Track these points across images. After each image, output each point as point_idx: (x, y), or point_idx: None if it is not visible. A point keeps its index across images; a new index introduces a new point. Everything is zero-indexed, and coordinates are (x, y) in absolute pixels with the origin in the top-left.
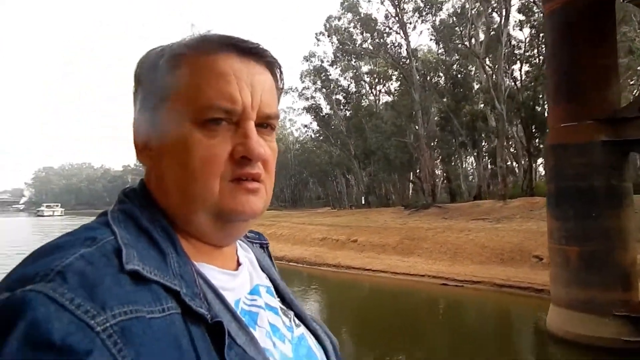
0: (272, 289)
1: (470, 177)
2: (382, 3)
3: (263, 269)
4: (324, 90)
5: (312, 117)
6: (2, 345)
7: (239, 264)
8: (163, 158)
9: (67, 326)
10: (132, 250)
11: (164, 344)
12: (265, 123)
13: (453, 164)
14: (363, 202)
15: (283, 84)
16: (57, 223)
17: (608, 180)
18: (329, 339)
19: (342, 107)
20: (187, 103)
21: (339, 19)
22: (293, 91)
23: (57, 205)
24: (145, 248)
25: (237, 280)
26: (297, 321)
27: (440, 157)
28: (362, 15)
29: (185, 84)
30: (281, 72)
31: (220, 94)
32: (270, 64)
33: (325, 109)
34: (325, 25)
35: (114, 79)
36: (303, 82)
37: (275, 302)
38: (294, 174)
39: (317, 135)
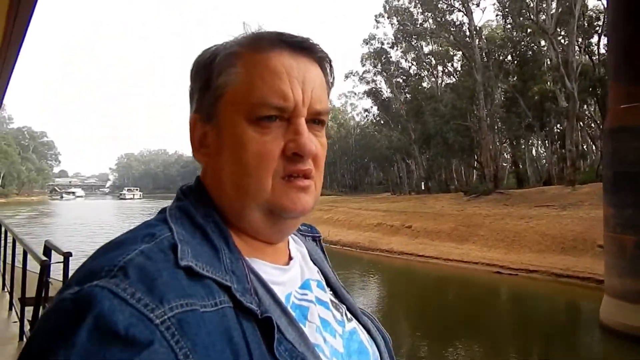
0: (323, 283)
1: (544, 161)
2: None
3: (315, 263)
4: (384, 73)
5: (372, 101)
6: (74, 335)
7: (290, 258)
8: (219, 154)
9: (129, 319)
10: (187, 246)
11: (217, 336)
12: (316, 119)
13: (523, 147)
14: (422, 188)
15: (333, 79)
16: (137, 205)
17: None
18: (380, 334)
19: (402, 90)
20: (242, 101)
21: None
22: (354, 75)
23: (136, 189)
24: (199, 244)
25: (288, 274)
26: (348, 315)
27: (506, 140)
28: None
29: (239, 82)
30: (331, 67)
31: (273, 91)
32: (321, 59)
33: (386, 92)
34: (384, 6)
35: (184, 74)
36: (364, 65)
37: (326, 296)
38: (354, 159)
39: (377, 119)
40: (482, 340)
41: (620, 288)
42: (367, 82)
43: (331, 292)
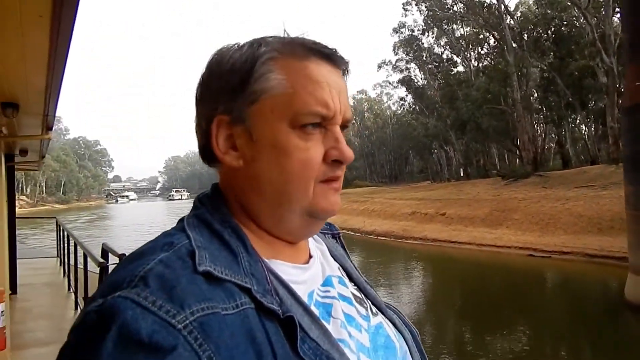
0: (345, 279)
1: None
2: None
3: (335, 259)
4: (416, 61)
5: (406, 89)
6: (101, 347)
7: (310, 257)
8: (257, 160)
9: (152, 326)
10: (205, 252)
11: (240, 337)
12: (344, 125)
13: (564, 128)
14: (462, 174)
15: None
16: (185, 205)
17: None
18: (407, 328)
19: (435, 77)
20: (285, 108)
21: None
22: (387, 64)
23: (184, 190)
24: (217, 249)
25: (308, 273)
26: (374, 310)
27: (546, 121)
28: None
29: (280, 88)
30: (348, 76)
31: (317, 100)
32: (345, 69)
33: (420, 79)
34: None
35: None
36: (396, 54)
37: (349, 292)
38: (393, 149)
39: (413, 107)
40: (498, 321)
41: None
42: (401, 71)
43: (355, 287)
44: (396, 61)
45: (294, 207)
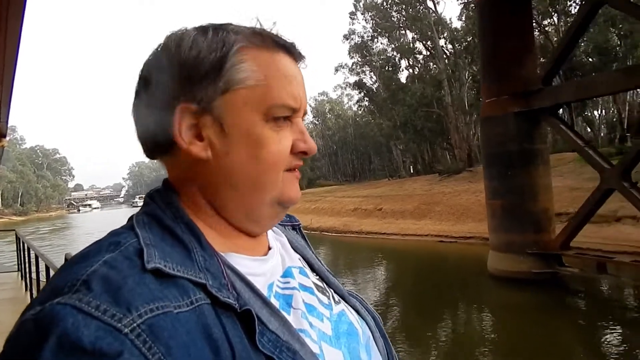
0: (306, 270)
1: None
2: None
3: (296, 250)
4: (367, 65)
5: (358, 91)
6: (38, 356)
7: (269, 249)
8: (230, 151)
9: (95, 332)
10: (153, 249)
11: (196, 334)
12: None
13: None
14: (412, 171)
15: None
16: None
17: (521, 145)
18: (370, 314)
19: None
20: (258, 99)
21: None
22: (343, 67)
23: None
24: (169, 245)
25: (267, 264)
26: (336, 298)
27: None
28: None
29: (254, 80)
30: (305, 69)
31: (289, 94)
32: (302, 63)
33: (371, 83)
34: (354, 5)
35: None
36: (352, 57)
37: (310, 282)
38: (354, 148)
39: (367, 108)
40: (400, 290)
41: (497, 242)
42: (357, 74)
43: (317, 277)
44: (352, 64)
45: (266, 197)
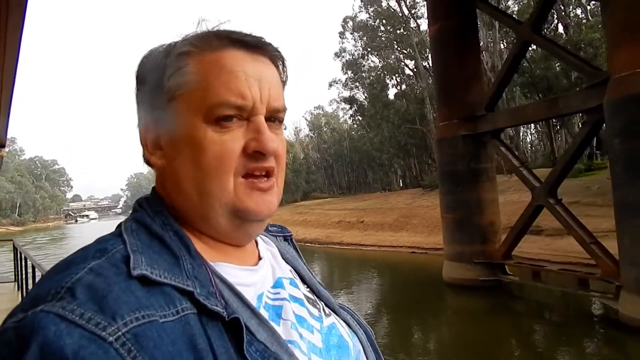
0: (297, 281)
1: None
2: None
3: (287, 261)
4: (358, 81)
5: (349, 106)
6: None
7: (260, 259)
8: (177, 158)
9: (79, 341)
10: (141, 256)
11: (180, 345)
12: (274, 117)
13: None
14: (401, 185)
15: (287, 77)
16: None
17: (468, 164)
18: (362, 328)
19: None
20: (198, 102)
21: (355, 18)
22: (337, 83)
23: None
24: (157, 253)
25: (257, 275)
26: (327, 311)
27: None
28: (382, 8)
29: (193, 82)
30: (284, 65)
31: (230, 90)
32: (274, 57)
33: (363, 98)
34: (342, 26)
35: None
36: (345, 73)
37: (300, 293)
38: (349, 162)
39: (359, 123)
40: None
41: (449, 252)
42: (350, 89)
43: (307, 289)
44: (346, 80)
45: (214, 204)
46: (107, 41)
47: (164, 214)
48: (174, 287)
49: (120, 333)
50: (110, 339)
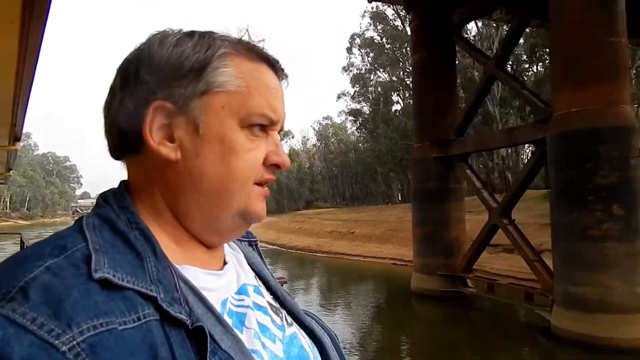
0: (261, 288)
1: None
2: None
3: (252, 267)
4: (362, 96)
5: (353, 120)
6: None
7: (225, 263)
8: (200, 154)
9: (28, 348)
10: (103, 256)
11: (140, 355)
12: (279, 132)
13: None
14: (400, 199)
15: None
16: None
17: (438, 184)
18: (326, 333)
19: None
20: (237, 104)
21: (362, 35)
22: (345, 95)
23: None
24: (120, 253)
25: (222, 280)
26: (289, 320)
27: None
28: (390, 26)
29: (234, 85)
30: (287, 86)
31: (268, 104)
32: (283, 79)
33: (368, 112)
34: (349, 42)
35: None
36: (353, 86)
37: (264, 301)
38: (355, 173)
39: (364, 136)
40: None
41: (417, 264)
42: (358, 102)
43: (271, 296)
44: (354, 93)
45: (232, 206)
46: (120, 40)
47: (131, 210)
48: (137, 292)
49: (75, 342)
50: (64, 348)
